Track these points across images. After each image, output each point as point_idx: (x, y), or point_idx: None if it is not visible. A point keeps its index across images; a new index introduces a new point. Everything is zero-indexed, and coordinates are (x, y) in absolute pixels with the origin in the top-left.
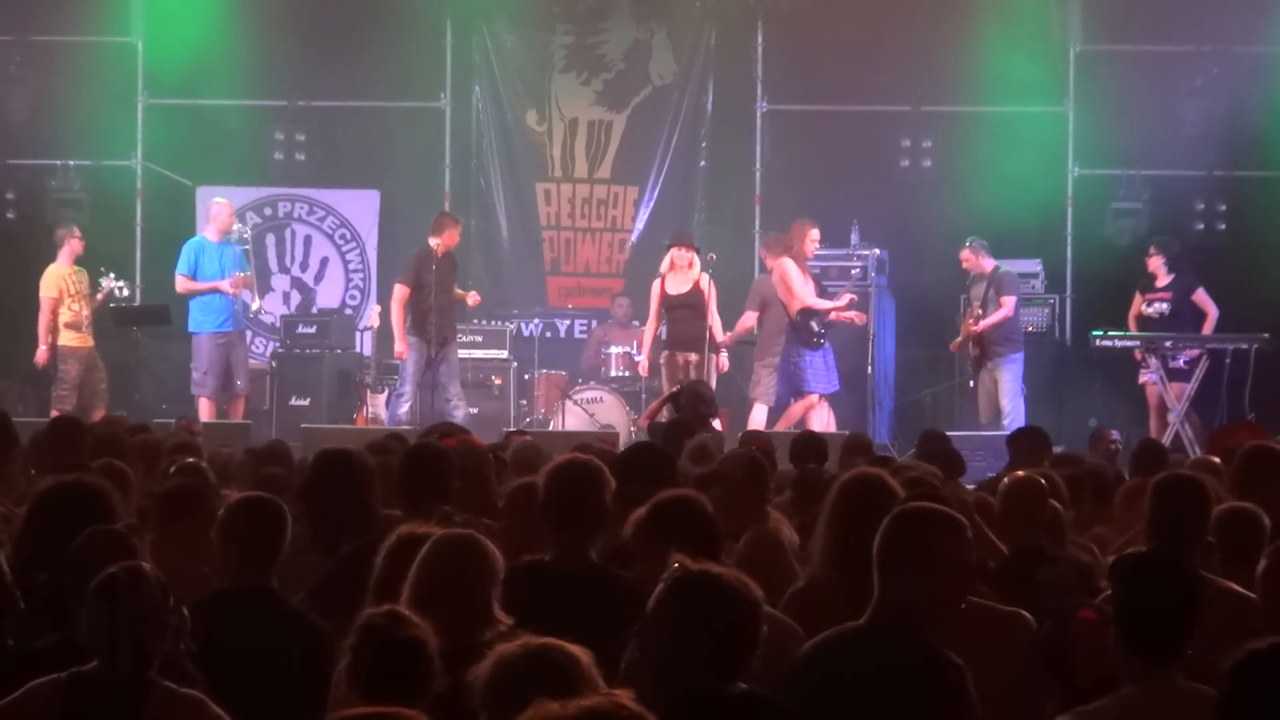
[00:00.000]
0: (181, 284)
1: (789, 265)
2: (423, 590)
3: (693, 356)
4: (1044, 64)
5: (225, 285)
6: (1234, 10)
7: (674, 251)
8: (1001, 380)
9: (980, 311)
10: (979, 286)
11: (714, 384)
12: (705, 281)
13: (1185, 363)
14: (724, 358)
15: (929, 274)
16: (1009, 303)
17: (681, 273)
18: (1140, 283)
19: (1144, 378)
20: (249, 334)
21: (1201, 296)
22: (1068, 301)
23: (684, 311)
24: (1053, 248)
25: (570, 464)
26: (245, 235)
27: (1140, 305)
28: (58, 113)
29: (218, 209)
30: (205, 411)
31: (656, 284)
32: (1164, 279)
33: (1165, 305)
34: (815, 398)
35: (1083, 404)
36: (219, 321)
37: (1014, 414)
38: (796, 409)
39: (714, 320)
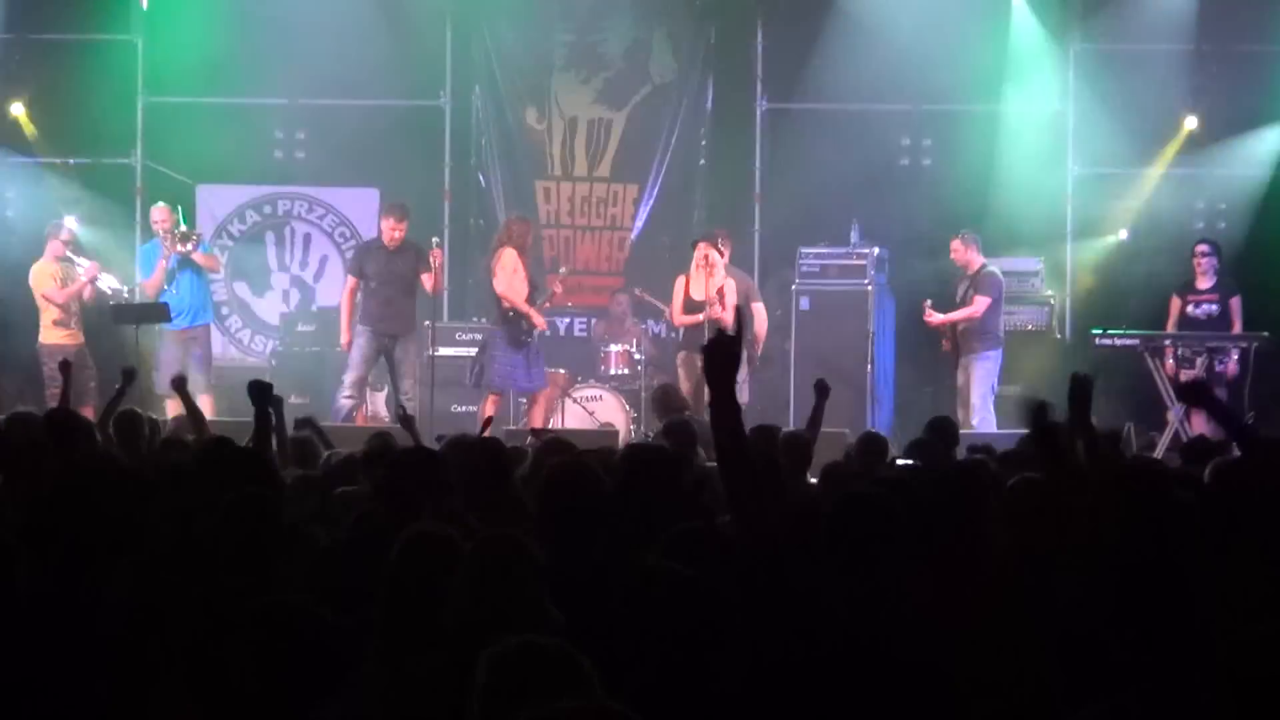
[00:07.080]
0: (147, 288)
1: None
2: (471, 603)
3: None
4: (1044, 63)
5: (149, 285)
6: (1234, 10)
7: (696, 251)
8: (973, 377)
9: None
10: (963, 284)
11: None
12: (730, 288)
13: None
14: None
15: (929, 273)
16: (979, 303)
17: (702, 273)
18: (1178, 285)
19: (1184, 377)
20: (249, 332)
21: (1235, 306)
22: (1068, 300)
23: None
24: (1053, 247)
25: (567, 467)
26: (189, 235)
27: (1184, 307)
28: (58, 111)
29: (153, 214)
30: (171, 408)
31: (680, 281)
32: (1207, 281)
33: (1214, 307)
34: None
35: None
36: (175, 319)
37: (983, 412)
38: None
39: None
